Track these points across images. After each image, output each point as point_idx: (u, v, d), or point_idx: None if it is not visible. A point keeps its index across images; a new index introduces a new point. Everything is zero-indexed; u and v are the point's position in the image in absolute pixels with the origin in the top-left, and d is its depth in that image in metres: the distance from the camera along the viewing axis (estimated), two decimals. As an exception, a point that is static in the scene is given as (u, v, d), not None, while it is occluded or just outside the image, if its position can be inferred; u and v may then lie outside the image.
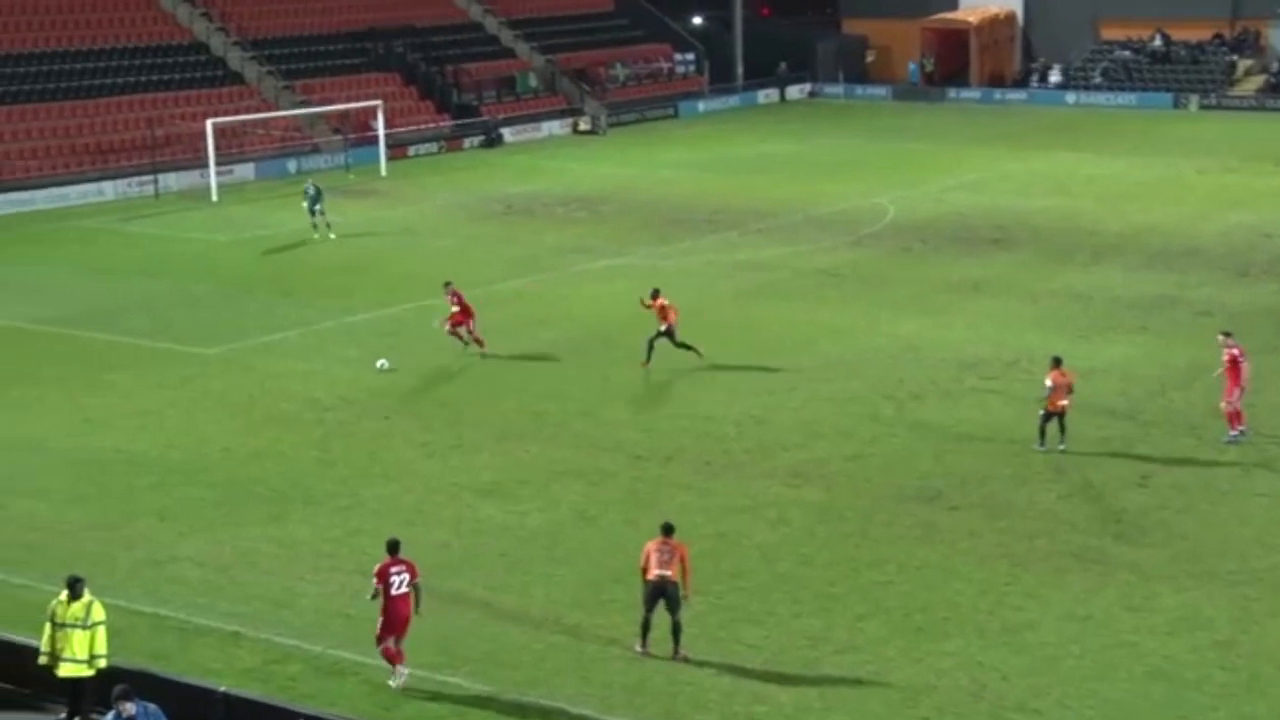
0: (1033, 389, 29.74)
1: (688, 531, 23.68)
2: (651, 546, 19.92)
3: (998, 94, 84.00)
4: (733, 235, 48.45)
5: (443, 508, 25.46)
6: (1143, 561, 22.79)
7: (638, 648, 19.99)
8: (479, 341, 34.34)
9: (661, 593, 19.71)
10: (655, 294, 33.65)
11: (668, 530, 20.13)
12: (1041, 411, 27.51)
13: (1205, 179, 57.12)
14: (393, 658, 19.21)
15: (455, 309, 34.29)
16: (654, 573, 19.71)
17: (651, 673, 19.68)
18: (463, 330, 34.37)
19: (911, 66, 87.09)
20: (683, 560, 19.88)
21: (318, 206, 48.18)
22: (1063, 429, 27.40)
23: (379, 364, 32.39)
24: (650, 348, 33.06)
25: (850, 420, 29.75)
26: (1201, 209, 50.66)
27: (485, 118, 71.25)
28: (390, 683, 19.11)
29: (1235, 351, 27.67)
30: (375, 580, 19.12)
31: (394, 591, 19.09)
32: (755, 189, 56.83)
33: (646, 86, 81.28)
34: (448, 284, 34.76)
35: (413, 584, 19.17)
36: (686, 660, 19.82)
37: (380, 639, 19.17)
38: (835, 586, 22.25)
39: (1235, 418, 27.57)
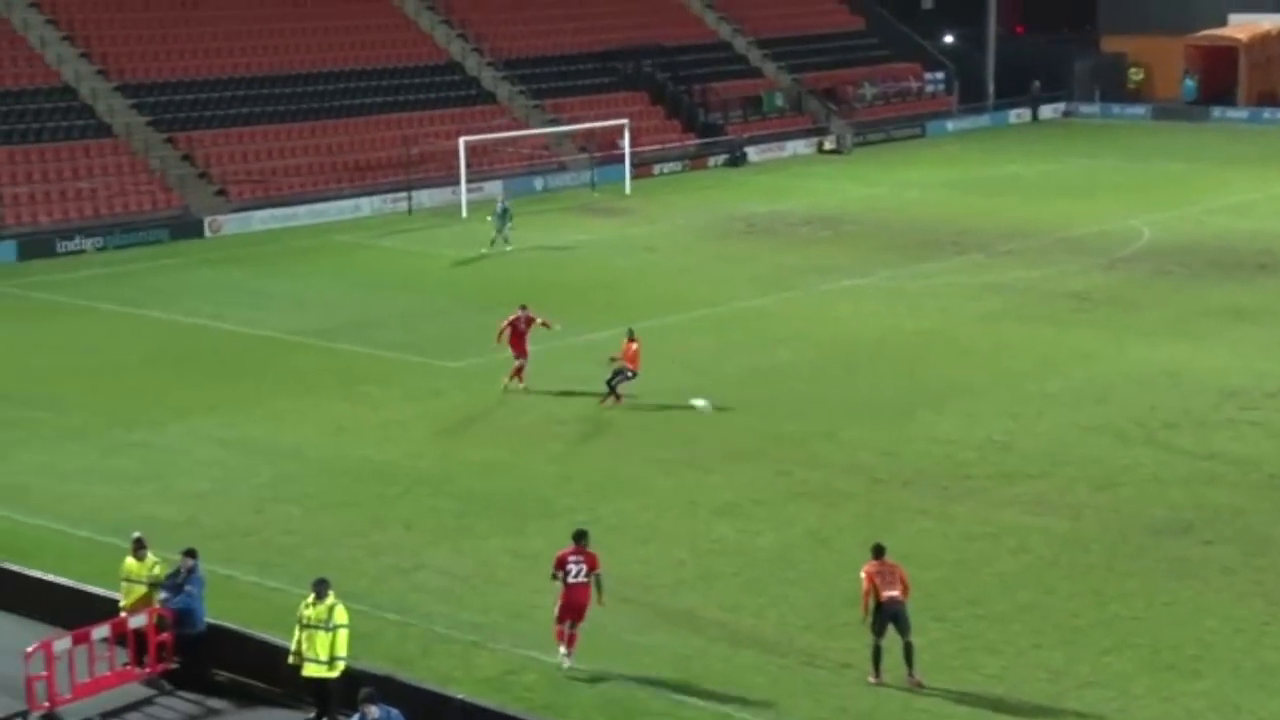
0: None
1: (925, 558, 23.56)
2: (871, 570, 19.75)
3: (1267, 113, 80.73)
4: (979, 257, 47.67)
5: (678, 525, 25.66)
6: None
7: (871, 679, 19.82)
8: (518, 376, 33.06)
9: (892, 616, 19.53)
10: (631, 336, 32.14)
11: (879, 552, 19.96)
12: None
13: None
14: (563, 639, 20.08)
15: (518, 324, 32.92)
16: (884, 595, 19.55)
17: (885, 699, 19.50)
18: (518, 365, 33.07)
19: (1188, 83, 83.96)
20: (903, 581, 19.68)
21: (507, 224, 49.15)
22: None
23: (699, 404, 29.71)
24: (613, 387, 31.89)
25: (1098, 448, 28.98)
26: None
27: (730, 136, 71.57)
28: (561, 663, 19.90)
29: None
30: (554, 567, 20.09)
31: (570, 580, 19.98)
32: (1004, 210, 55.81)
33: (894, 105, 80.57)
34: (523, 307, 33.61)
35: (592, 574, 20.03)
36: (921, 686, 19.58)
37: (557, 620, 20.10)
38: (1079, 619, 21.70)
39: None
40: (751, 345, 36.92)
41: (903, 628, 19.61)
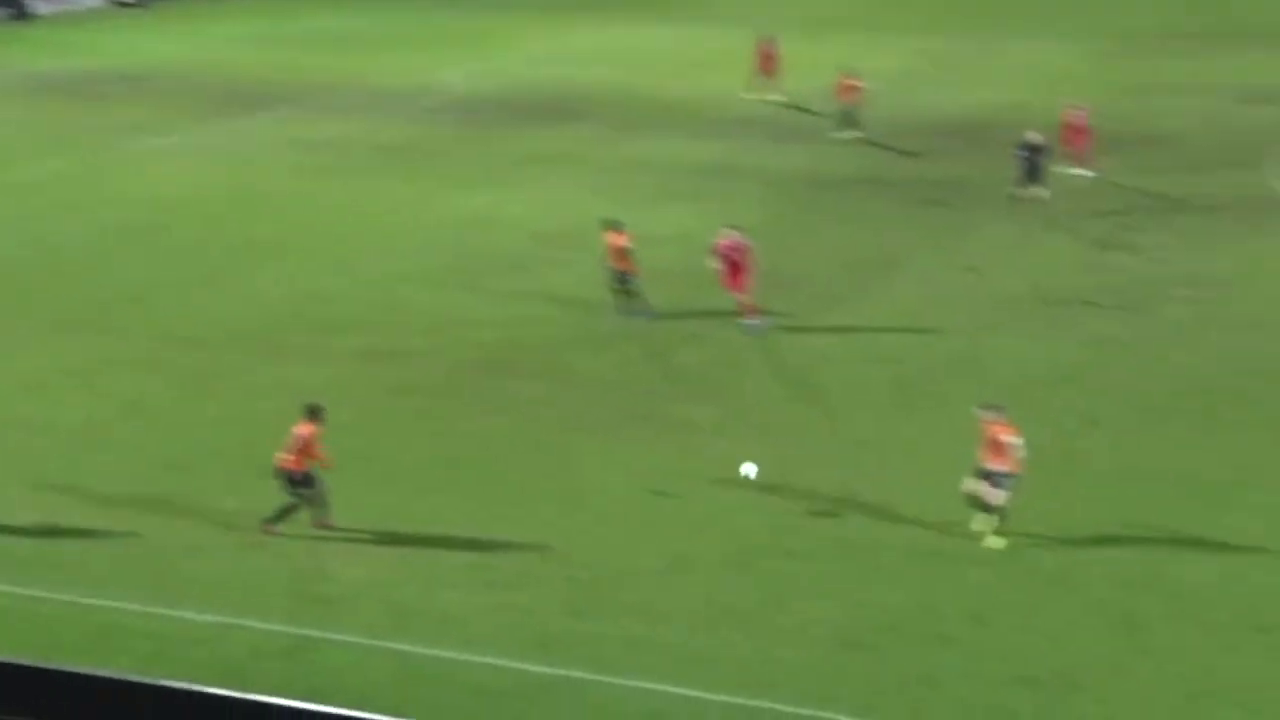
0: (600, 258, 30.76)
1: (251, 418, 23.65)
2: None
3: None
4: (289, 112, 47.41)
5: (-14, 407, 24.40)
6: (698, 418, 24.12)
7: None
8: None
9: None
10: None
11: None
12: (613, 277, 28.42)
13: (744, 49, 59.36)
14: None
15: None
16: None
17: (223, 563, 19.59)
18: None
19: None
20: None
21: None
22: (630, 294, 28.43)
23: (746, 471, 21.97)
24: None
25: (419, 296, 30.00)
26: (737, 79, 52.75)
27: (15, -11, 66.65)
28: None
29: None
30: None
31: None
32: (312, 65, 55.58)
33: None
34: None
35: None
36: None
37: None
38: (409, 461, 22.67)
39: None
40: (49, 212, 35.14)
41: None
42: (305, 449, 20.10)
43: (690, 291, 29.77)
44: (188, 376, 25.80)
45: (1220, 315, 28.48)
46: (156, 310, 29.06)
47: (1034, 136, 34.62)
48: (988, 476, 19.65)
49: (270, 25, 65.18)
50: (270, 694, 15.63)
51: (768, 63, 47.42)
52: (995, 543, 19.67)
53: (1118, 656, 17.16)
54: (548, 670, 17.06)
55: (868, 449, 22.94)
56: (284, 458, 20.09)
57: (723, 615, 18.20)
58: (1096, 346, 27.02)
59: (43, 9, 66.36)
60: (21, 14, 65.33)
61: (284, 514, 20.23)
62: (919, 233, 33.97)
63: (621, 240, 28.75)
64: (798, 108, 46.43)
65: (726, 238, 28.35)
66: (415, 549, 20.00)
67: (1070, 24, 62.56)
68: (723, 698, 16.52)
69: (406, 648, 17.58)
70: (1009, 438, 19.64)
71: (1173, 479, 21.70)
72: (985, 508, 19.73)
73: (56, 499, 21.14)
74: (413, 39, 61.88)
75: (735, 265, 28.01)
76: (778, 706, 16.29)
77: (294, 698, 15.59)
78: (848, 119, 42.38)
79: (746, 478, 21.13)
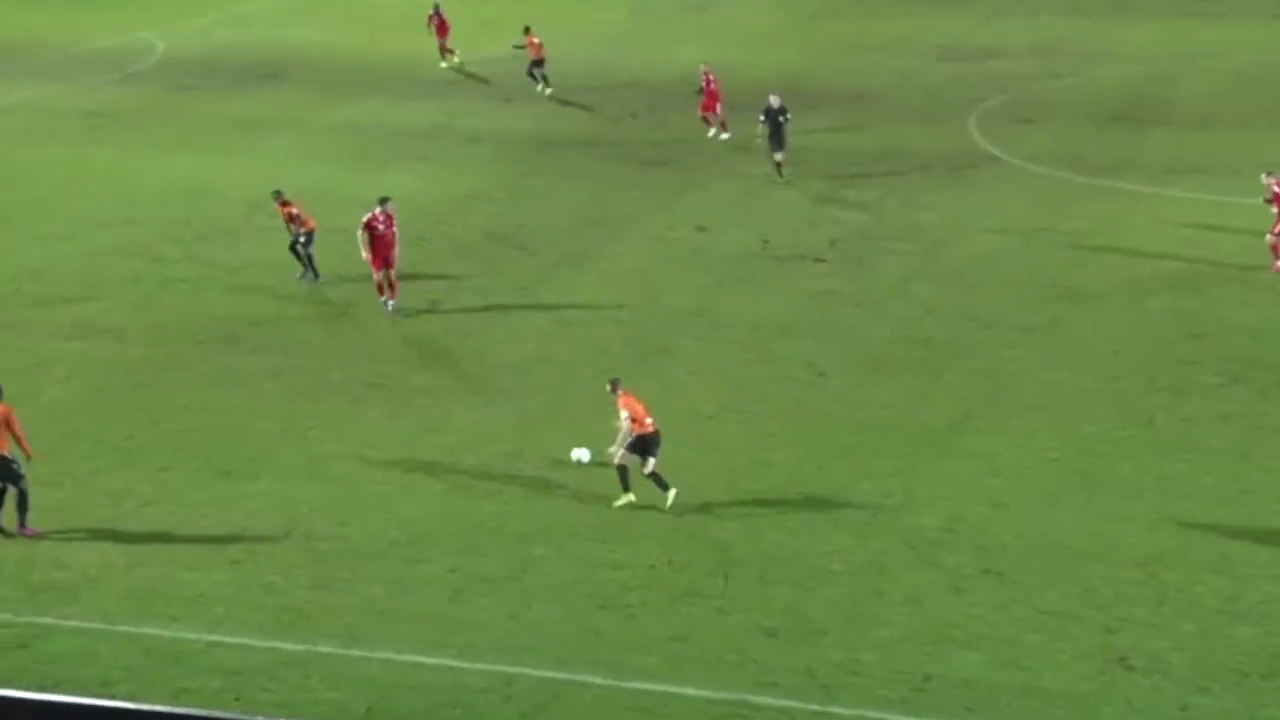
0: (321, 222, 30.23)
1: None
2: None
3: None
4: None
5: None
6: (436, 385, 23.98)
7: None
8: None
9: None
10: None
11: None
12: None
13: (458, 10, 59.02)
14: None
15: None
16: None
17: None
18: None
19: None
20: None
21: None
22: (306, 261, 27.96)
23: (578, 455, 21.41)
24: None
25: (135, 267, 29.00)
26: (459, 40, 52.41)
27: None
28: None
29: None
30: None
31: None
32: (2, 25, 52.88)
33: None
34: None
35: None
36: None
37: None
38: (133, 440, 21.89)
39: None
40: None
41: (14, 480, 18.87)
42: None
43: (420, 259, 29.50)
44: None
45: (934, 268, 29.65)
46: None
47: (775, 100, 34.71)
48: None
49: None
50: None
51: (442, 30, 46.93)
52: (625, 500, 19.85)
53: (861, 604, 17.77)
54: (297, 647, 16.78)
55: (604, 410, 23.17)
56: None
57: (471, 583, 18.16)
58: (821, 300, 27.81)
59: None
60: None
61: None
62: (646, 192, 34.35)
63: (291, 209, 28.05)
64: (479, 75, 46.25)
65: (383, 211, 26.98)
66: (151, 531, 19.36)
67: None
68: (478, 665, 16.51)
69: (149, 631, 17.05)
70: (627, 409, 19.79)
71: (899, 428, 22.54)
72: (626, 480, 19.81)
73: None
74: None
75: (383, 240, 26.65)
76: (534, 672, 16.37)
77: (27, 689, 14.94)
78: (539, 75, 43.34)
79: (579, 462, 20.82)
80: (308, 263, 28.12)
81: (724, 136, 37.95)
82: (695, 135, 38.95)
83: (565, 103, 42.55)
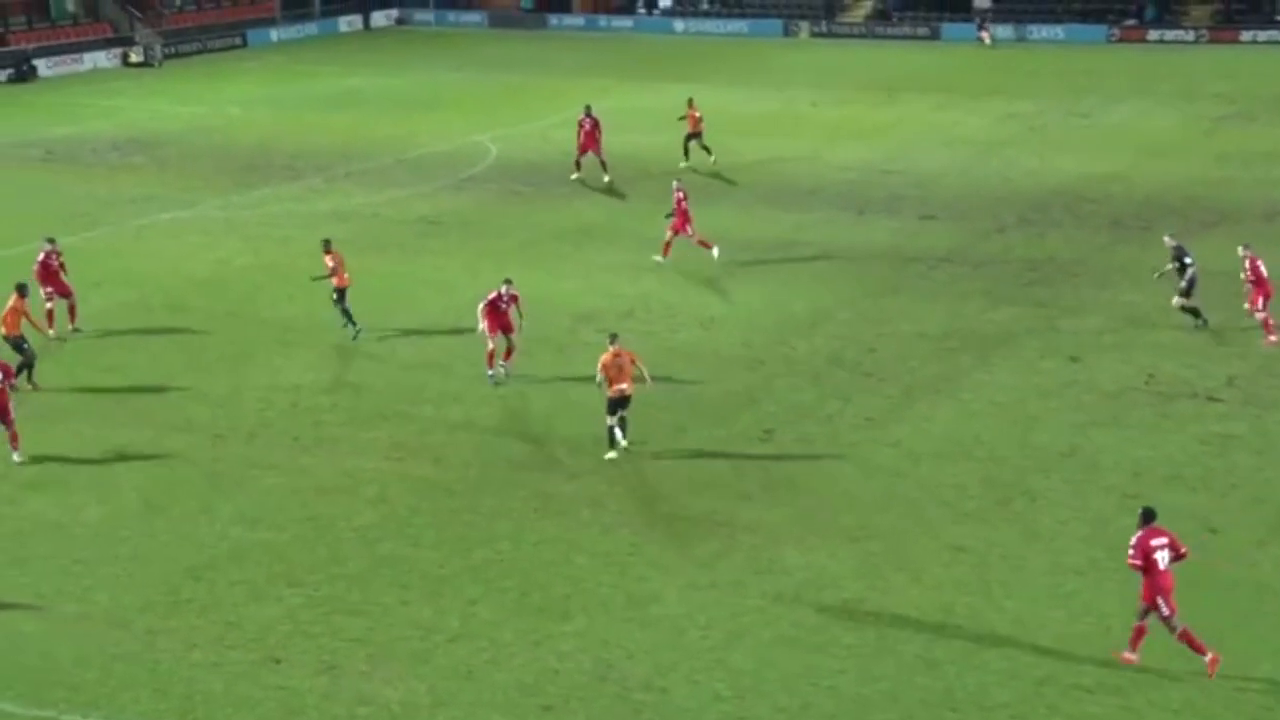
0: (654, 340, 30.64)
1: (277, 518, 23.58)
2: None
3: (603, 21, 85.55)
4: (317, 181, 47.78)
5: (-18, 505, 24.38)
6: (768, 522, 23.79)
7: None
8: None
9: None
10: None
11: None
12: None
13: (818, 112, 59.73)
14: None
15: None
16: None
17: (238, 677, 19.37)
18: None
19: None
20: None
21: None
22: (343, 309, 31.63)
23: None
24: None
25: (456, 383, 29.88)
26: (816, 144, 52.94)
27: (14, 47, 67.77)
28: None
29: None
30: None
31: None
32: (341, 129, 56.17)
33: (209, 12, 79.12)
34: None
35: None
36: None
37: None
38: (444, 568, 22.37)
39: None
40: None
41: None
42: None
43: (757, 383, 29.53)
44: (212, 471, 25.72)
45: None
46: (178, 398, 29.14)
47: (1170, 241, 33.10)
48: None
49: (292, 86, 66.00)
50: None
51: (591, 139, 46.78)
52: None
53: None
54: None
55: (961, 559, 22.53)
56: None
57: None
58: (1215, 444, 26.52)
59: (45, 70, 67.34)
60: (23, 74, 66.31)
61: None
62: (1014, 316, 33.60)
63: (331, 260, 32.06)
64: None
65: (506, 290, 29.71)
66: (458, 667, 19.67)
67: (1170, 88, 62.62)
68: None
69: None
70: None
71: None
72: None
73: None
74: (447, 101, 62.31)
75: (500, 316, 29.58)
76: None
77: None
78: (703, 147, 47.81)
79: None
80: (347, 317, 31.88)
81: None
82: (1071, 253, 38.04)
83: (926, 216, 42.27)
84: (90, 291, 35.52)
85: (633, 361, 26.01)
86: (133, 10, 74.29)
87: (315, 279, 32.60)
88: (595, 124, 46.87)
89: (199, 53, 74.36)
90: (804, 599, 21.35)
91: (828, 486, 25.14)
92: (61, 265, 32.81)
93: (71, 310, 32.91)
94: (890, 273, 37.21)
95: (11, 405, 26.00)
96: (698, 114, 48.00)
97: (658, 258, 37.65)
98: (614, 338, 26.15)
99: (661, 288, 35.63)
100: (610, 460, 25.89)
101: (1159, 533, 19.42)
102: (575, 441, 26.98)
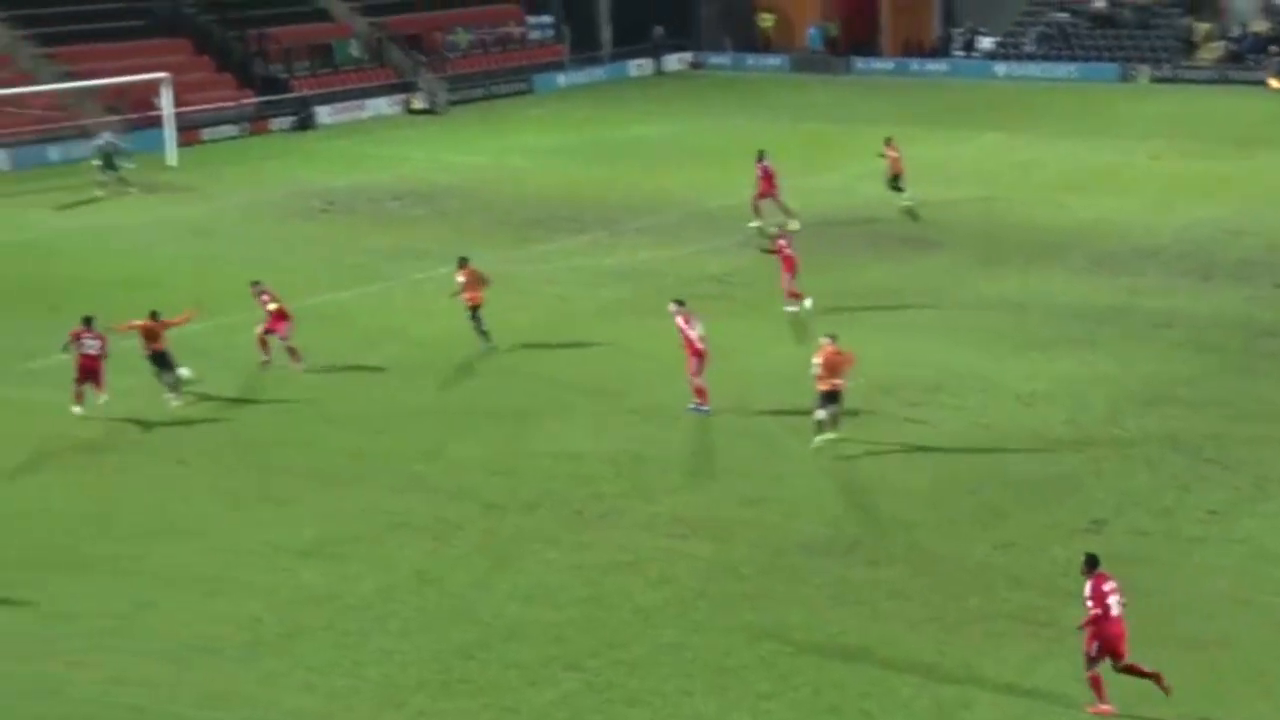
0: (964, 416, 30.21)
1: (555, 595, 23.84)
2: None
3: (914, 64, 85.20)
4: (602, 235, 48.53)
5: (252, 573, 25.18)
6: (1093, 624, 23.12)
7: None
8: (293, 353, 34.48)
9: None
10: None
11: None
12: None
13: (1159, 165, 58.38)
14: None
15: (272, 307, 34.79)
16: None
17: (512, 769, 19.62)
18: (275, 338, 34.59)
19: (812, 31, 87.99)
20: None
21: (118, 162, 54.04)
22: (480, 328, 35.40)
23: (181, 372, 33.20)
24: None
25: (746, 457, 29.90)
26: (1155, 201, 51.74)
27: (297, 94, 70.67)
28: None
29: None
30: None
31: None
32: (629, 180, 56.98)
33: (495, 56, 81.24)
34: (255, 283, 35.53)
35: None
36: None
37: None
38: (731, 658, 22.31)
39: None
40: (336, 347, 36.47)
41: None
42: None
43: (1084, 466, 28.92)
44: (487, 544, 26.23)
45: None
46: (455, 464, 29.81)
47: None
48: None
49: (579, 133, 67.28)
50: None
51: (768, 182, 48.12)
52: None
53: None
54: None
55: (1317, 672, 21.57)
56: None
57: None
58: None
59: (326, 117, 69.99)
60: (305, 123, 69.06)
61: None
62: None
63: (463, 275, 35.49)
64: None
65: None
66: None
67: None
68: None
69: None
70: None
71: None
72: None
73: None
74: (742, 150, 62.66)
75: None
76: None
77: None
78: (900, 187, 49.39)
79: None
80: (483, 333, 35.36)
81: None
82: None
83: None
84: (365, 349, 36.68)
85: (849, 363, 29.41)
86: (417, 55, 76.76)
87: (452, 296, 36.08)
88: (766, 171, 48.12)
89: (484, 99, 76.37)
90: (1137, 713, 20.67)
91: (1165, 586, 24.35)
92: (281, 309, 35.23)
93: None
94: (1239, 347, 36.07)
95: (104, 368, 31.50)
96: (895, 154, 48.96)
97: (790, 308, 38.91)
98: (834, 337, 29.81)
99: (976, 356, 35.15)
100: (815, 449, 29.17)
101: (1107, 578, 20.45)
102: (876, 523, 26.71)
